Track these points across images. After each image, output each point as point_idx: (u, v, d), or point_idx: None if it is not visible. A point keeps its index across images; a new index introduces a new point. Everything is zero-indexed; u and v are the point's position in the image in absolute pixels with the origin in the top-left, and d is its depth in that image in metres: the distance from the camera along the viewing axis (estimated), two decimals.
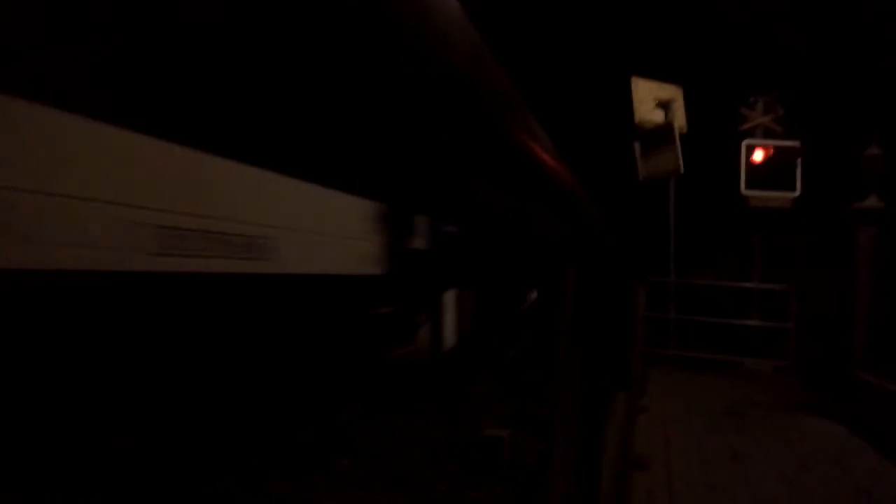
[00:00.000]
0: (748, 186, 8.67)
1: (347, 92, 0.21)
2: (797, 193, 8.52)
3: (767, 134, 8.98)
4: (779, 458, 4.36)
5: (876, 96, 9.28)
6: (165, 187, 3.96)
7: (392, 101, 0.23)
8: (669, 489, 3.66)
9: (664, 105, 8.45)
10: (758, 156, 8.63)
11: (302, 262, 5.35)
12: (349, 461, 4.83)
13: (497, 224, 0.49)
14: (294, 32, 0.18)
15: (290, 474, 4.49)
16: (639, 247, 12.23)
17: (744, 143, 8.75)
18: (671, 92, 8.58)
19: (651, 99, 8.47)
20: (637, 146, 8.47)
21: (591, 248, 1.03)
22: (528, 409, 6.68)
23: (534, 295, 15.61)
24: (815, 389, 6.76)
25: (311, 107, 0.21)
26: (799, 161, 8.47)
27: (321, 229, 5.60)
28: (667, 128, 8.22)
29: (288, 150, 0.24)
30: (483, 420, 6.03)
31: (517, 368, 8.87)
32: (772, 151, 8.62)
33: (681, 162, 8.05)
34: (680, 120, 8.42)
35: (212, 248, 4.40)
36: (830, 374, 6.12)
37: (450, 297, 8.63)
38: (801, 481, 3.88)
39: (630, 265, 2.41)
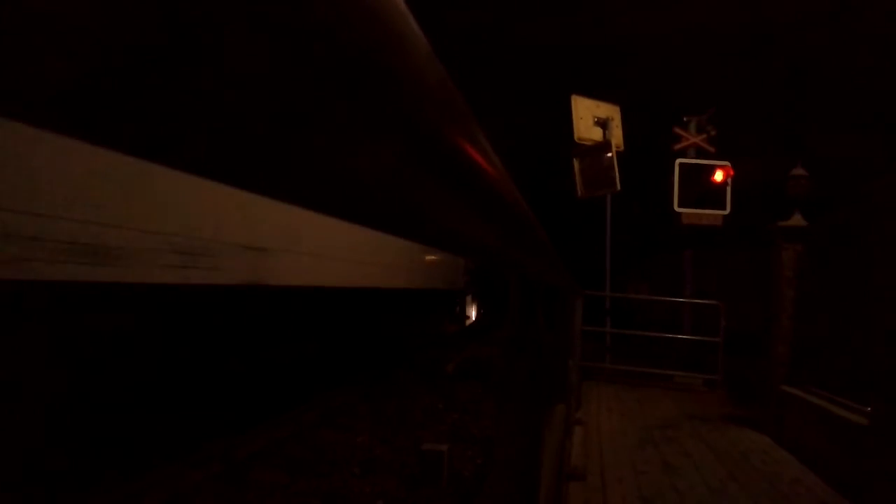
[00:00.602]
0: (681, 204, 8.93)
1: (324, 117, 0.23)
2: (727, 211, 8.83)
3: (700, 153, 9.28)
4: (707, 468, 4.50)
5: (803, 119, 9.71)
6: None
7: (367, 126, 0.26)
8: (605, 499, 3.73)
9: (602, 123, 8.64)
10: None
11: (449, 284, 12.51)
12: (285, 477, 4.74)
13: (449, 238, 0.51)
14: (277, 61, 0.19)
15: (223, 490, 4.38)
16: (576, 261, 12.44)
17: (677, 162, 9.02)
18: (609, 110, 8.78)
19: (590, 117, 8.65)
20: (576, 162, 8.63)
21: (532, 262, 1.05)
22: (467, 422, 6.70)
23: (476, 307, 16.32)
24: (743, 402, 6.99)
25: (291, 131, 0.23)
26: (729, 180, 8.77)
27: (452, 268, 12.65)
28: (604, 145, 8.40)
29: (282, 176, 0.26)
30: (423, 434, 6.02)
31: (457, 383, 8.89)
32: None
33: (617, 179, 8.24)
34: (617, 138, 8.62)
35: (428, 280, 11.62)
36: (756, 388, 6.34)
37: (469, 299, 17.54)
38: (728, 491, 4.01)
39: (569, 279, 2.46)
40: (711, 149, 9.27)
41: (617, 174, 8.26)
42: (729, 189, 8.79)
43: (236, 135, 0.21)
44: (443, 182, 0.36)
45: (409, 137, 0.29)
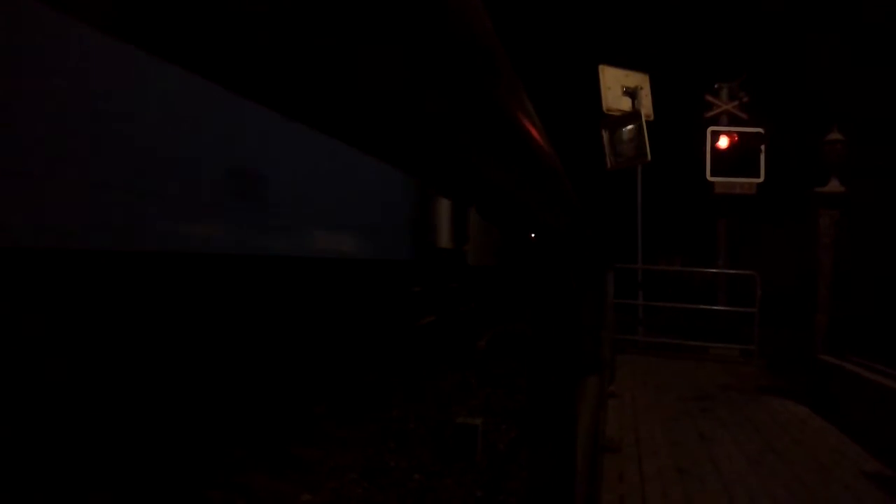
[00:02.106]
0: (713, 173, 8.77)
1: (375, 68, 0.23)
2: (761, 179, 8.65)
3: (732, 120, 9.09)
4: (745, 439, 4.45)
5: (836, 83, 9.44)
6: None
7: (413, 78, 0.25)
8: (640, 471, 3.72)
9: (631, 93, 8.51)
10: (722, 142, 8.73)
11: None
12: (322, 452, 4.81)
13: (487, 200, 0.50)
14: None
15: (263, 466, 4.46)
16: (607, 234, 12.33)
17: (709, 130, 8.85)
18: (638, 79, 8.64)
19: (618, 86, 8.52)
20: (604, 134, 8.52)
21: (568, 232, 1.03)
22: (500, 397, 6.72)
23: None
24: (780, 372, 6.90)
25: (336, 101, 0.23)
26: (763, 147, 8.59)
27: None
28: (634, 115, 8.28)
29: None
30: (456, 409, 6.06)
31: (489, 358, 8.91)
32: (736, 138, 8.73)
33: (648, 149, 8.12)
34: (647, 107, 8.48)
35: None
36: (794, 358, 6.26)
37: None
38: (766, 461, 3.97)
39: (602, 251, 2.43)
40: (744, 115, 9.07)
41: (647, 144, 8.14)
42: (763, 156, 8.61)
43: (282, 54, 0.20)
44: (487, 139, 0.35)
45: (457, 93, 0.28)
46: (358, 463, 4.64)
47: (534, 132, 0.43)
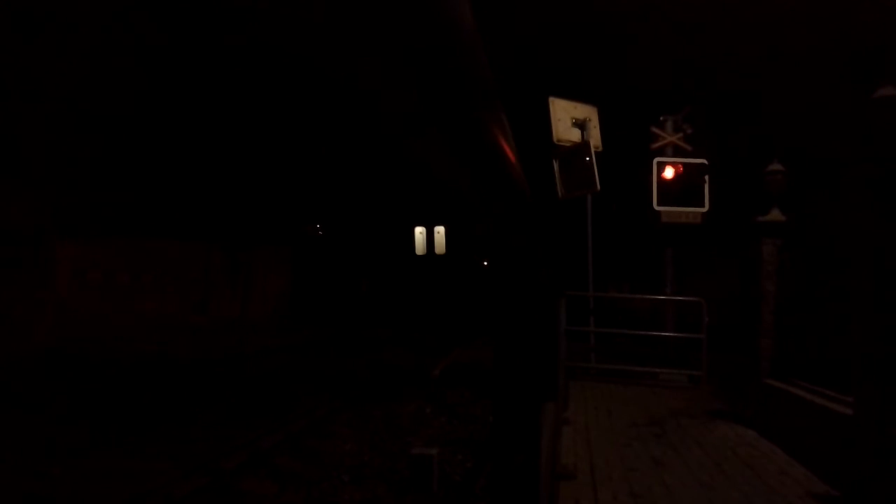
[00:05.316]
0: (660, 203, 8.98)
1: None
2: (706, 208, 8.90)
3: (677, 152, 9.35)
4: (696, 463, 4.53)
5: (777, 114, 9.81)
6: None
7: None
8: (596, 498, 3.74)
9: (580, 124, 8.71)
10: (668, 173, 8.98)
11: None
12: (276, 487, 4.71)
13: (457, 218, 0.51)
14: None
15: (214, 502, 4.34)
16: (559, 263, 12.50)
17: (655, 161, 9.08)
18: (587, 112, 8.85)
19: (568, 118, 8.71)
20: (555, 164, 8.68)
21: (532, 259, 1.06)
22: (454, 426, 6.69)
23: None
24: (727, 397, 7.05)
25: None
26: (707, 178, 8.85)
27: None
28: (583, 146, 8.46)
29: None
30: (411, 439, 6.01)
31: (443, 387, 8.88)
32: (681, 169, 8.98)
33: (597, 179, 8.29)
34: (595, 139, 8.68)
35: None
36: (740, 383, 6.40)
37: None
38: (716, 484, 4.04)
39: (556, 279, 2.47)
40: (688, 147, 9.35)
41: (596, 174, 8.31)
42: (707, 186, 8.88)
43: None
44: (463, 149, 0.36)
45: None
46: (312, 497, 4.55)
47: (510, 154, 0.45)
